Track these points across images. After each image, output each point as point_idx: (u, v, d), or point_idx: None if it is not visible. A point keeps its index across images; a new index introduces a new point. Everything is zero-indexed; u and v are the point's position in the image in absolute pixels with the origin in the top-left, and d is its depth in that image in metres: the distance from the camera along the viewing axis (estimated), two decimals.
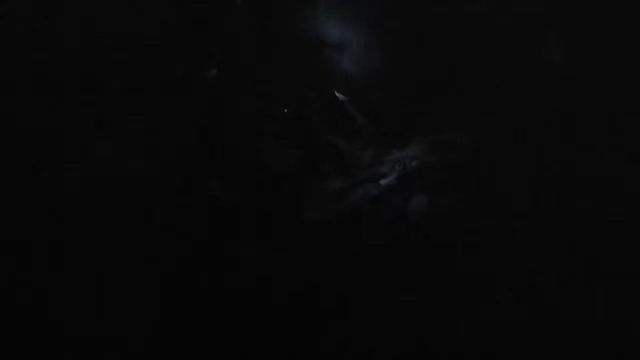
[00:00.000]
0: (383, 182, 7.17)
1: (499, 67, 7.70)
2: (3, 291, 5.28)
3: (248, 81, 7.77)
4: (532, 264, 5.78)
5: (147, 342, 5.27)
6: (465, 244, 6.18)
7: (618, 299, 5.31)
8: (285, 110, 7.64)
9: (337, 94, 7.80)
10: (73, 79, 6.17)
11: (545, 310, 5.45)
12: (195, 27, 7.13)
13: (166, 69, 7.28)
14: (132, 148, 6.79)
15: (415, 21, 8.13)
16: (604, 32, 6.98)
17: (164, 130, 7.18)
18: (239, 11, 7.29)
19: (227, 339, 5.43)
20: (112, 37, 6.41)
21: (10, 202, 5.77)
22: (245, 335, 5.46)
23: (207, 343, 5.41)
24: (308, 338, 5.45)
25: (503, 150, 7.12)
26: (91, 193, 6.15)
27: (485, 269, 5.85)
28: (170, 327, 5.48)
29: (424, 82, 8.11)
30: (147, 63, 6.94)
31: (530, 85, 7.55)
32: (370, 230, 6.55)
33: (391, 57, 8.24)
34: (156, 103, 7.20)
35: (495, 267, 5.83)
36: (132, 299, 5.41)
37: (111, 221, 5.98)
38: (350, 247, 6.29)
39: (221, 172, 6.89)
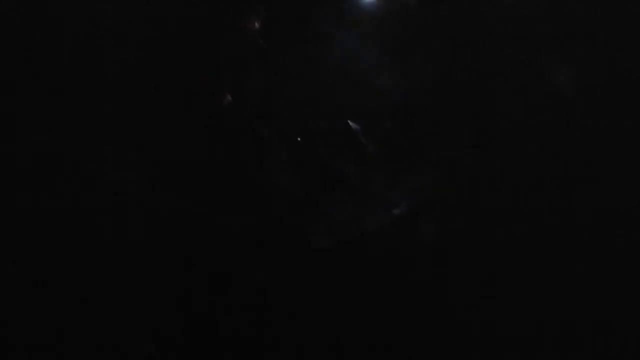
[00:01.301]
0: (395, 211, 7.11)
1: (505, 94, 7.72)
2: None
3: (258, 105, 7.87)
4: (538, 298, 5.61)
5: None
6: (475, 273, 6.02)
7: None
8: (298, 138, 7.67)
9: (350, 123, 7.83)
10: (72, 86, 6.31)
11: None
12: (205, 49, 7.28)
13: (174, 92, 7.43)
14: (135, 171, 6.87)
15: (422, 53, 8.25)
16: (608, 53, 6.97)
17: (168, 151, 7.28)
18: (252, 35, 7.43)
19: None
20: (118, 53, 6.57)
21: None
22: None
23: None
24: None
25: (512, 178, 7.06)
26: (90, 218, 6.21)
27: (494, 300, 5.67)
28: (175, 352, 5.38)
29: (434, 110, 8.15)
30: (151, 82, 7.09)
31: (536, 112, 7.52)
32: (380, 259, 6.44)
33: (403, 85, 8.32)
34: (161, 124, 7.31)
35: (503, 298, 5.66)
36: (137, 322, 5.33)
37: (113, 245, 5.98)
38: (359, 275, 6.18)
39: (229, 199, 6.90)
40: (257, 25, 7.48)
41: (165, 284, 5.75)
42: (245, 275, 6.02)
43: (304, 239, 6.58)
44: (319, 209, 7.00)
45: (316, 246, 6.58)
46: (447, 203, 7.04)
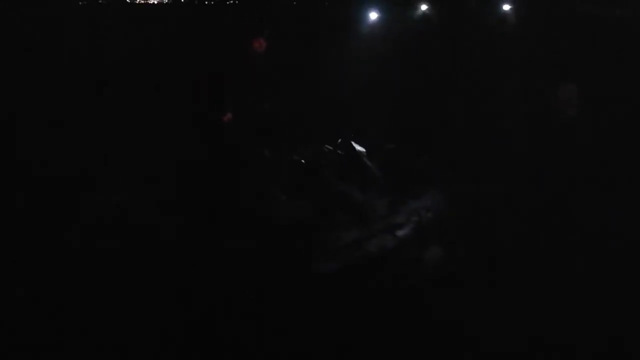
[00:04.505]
0: (398, 233, 7.09)
1: (510, 120, 7.87)
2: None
3: (265, 130, 7.87)
4: (541, 316, 5.61)
5: None
6: (478, 295, 5.95)
7: None
8: (302, 161, 7.68)
9: (354, 145, 7.87)
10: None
11: None
12: (215, 72, 7.31)
13: (183, 115, 7.43)
14: (142, 198, 6.88)
15: (428, 78, 8.36)
16: (608, 55, 7.15)
17: (174, 175, 7.30)
18: (259, 60, 7.47)
19: None
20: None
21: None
22: None
23: None
24: None
25: (515, 201, 7.14)
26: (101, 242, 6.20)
27: (497, 324, 5.61)
28: None
29: (438, 135, 8.24)
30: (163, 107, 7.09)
31: (540, 138, 7.67)
32: (384, 282, 6.37)
33: (406, 111, 8.40)
34: (172, 148, 7.32)
35: (505, 322, 5.61)
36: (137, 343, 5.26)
37: (123, 272, 5.92)
38: (364, 298, 6.09)
39: (235, 222, 6.86)
40: (262, 46, 7.52)
41: (168, 303, 5.68)
42: (247, 297, 5.95)
43: (308, 263, 6.53)
44: (324, 232, 6.96)
45: (322, 269, 6.53)
46: (450, 225, 7.07)
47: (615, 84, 7.45)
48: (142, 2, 7.47)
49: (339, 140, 7.91)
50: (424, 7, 8.37)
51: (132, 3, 7.66)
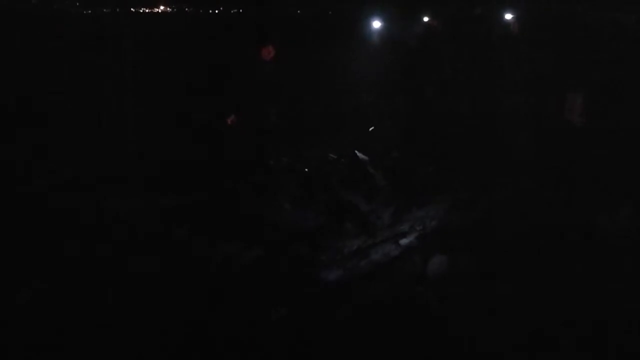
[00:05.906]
0: (403, 241, 7.06)
1: (514, 128, 7.85)
2: None
3: (270, 140, 7.88)
4: (547, 329, 5.53)
5: None
6: (482, 306, 5.87)
7: None
8: (306, 170, 7.69)
9: (358, 154, 7.88)
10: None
11: None
12: (221, 80, 7.34)
13: (188, 122, 7.45)
14: (148, 206, 6.87)
15: (433, 85, 8.39)
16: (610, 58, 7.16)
17: (179, 182, 7.29)
18: (264, 67, 7.51)
19: None
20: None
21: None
22: None
23: None
24: None
25: (519, 210, 7.11)
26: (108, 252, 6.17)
27: (500, 335, 5.52)
28: None
29: (441, 143, 8.24)
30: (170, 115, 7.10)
31: (547, 146, 7.65)
32: (388, 291, 6.30)
33: (410, 119, 8.42)
34: (178, 155, 7.31)
35: (509, 333, 5.52)
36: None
37: (133, 281, 5.89)
38: (367, 306, 6.02)
39: (240, 231, 6.82)
40: (268, 54, 7.56)
41: (170, 308, 5.63)
42: (251, 304, 5.89)
43: (312, 271, 6.48)
44: (329, 241, 6.92)
45: (327, 277, 6.47)
46: (454, 233, 7.02)
47: (618, 87, 7.47)
48: (147, 11, 7.55)
49: (343, 148, 7.93)
50: (428, 15, 8.46)
51: (137, 12, 7.74)
